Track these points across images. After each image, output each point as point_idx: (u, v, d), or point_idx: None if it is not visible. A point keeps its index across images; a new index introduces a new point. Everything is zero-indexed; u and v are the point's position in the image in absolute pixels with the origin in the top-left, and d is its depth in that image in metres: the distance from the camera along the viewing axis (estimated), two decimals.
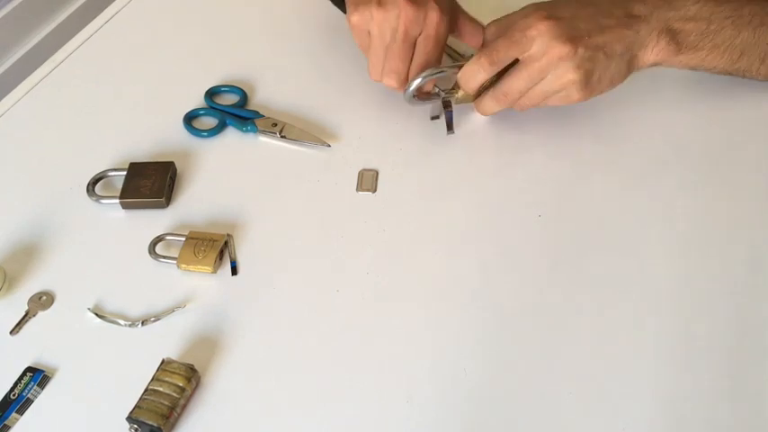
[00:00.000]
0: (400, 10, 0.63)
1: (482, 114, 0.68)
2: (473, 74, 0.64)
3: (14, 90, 0.78)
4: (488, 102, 0.66)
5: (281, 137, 0.71)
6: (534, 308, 0.59)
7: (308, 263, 0.63)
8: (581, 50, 0.61)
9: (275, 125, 0.72)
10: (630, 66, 0.65)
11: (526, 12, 0.63)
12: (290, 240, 0.64)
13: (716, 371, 0.55)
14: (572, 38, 0.60)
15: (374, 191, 0.67)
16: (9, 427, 0.54)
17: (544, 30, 0.60)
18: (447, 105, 0.69)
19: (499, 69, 0.63)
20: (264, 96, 0.76)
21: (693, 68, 0.66)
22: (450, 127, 0.69)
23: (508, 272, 0.61)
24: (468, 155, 0.69)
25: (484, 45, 0.66)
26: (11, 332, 0.59)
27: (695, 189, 0.65)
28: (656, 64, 0.65)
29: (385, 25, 0.64)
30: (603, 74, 0.63)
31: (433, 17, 0.64)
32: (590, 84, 0.63)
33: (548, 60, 0.61)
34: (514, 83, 0.63)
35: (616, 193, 0.66)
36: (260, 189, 0.68)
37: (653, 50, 0.64)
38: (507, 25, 0.63)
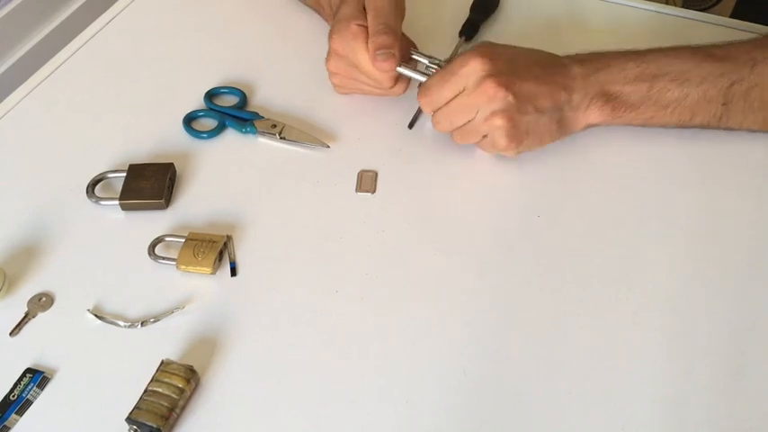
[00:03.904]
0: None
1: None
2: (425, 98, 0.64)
3: (15, 91, 0.78)
4: (433, 124, 0.66)
5: (281, 138, 0.71)
6: (534, 308, 0.59)
7: (308, 264, 0.63)
8: (510, 97, 0.60)
9: (275, 126, 0.72)
10: (563, 126, 0.65)
11: (467, 52, 0.62)
12: (289, 241, 0.64)
13: (716, 371, 0.55)
14: (503, 82, 0.60)
15: (373, 192, 0.67)
16: (9, 428, 0.54)
17: (478, 67, 0.60)
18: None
19: (437, 108, 0.64)
20: (264, 98, 0.76)
21: (642, 125, 0.66)
22: (412, 124, 0.71)
23: (508, 272, 0.61)
24: (467, 155, 0.69)
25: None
26: (10, 333, 0.59)
27: (695, 188, 0.65)
28: (594, 125, 0.65)
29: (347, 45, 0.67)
30: (533, 128, 0.63)
31: None
32: (518, 133, 0.62)
33: (477, 96, 0.61)
34: (450, 115, 0.64)
35: (616, 193, 0.66)
36: (259, 190, 0.68)
37: (586, 113, 0.64)
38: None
